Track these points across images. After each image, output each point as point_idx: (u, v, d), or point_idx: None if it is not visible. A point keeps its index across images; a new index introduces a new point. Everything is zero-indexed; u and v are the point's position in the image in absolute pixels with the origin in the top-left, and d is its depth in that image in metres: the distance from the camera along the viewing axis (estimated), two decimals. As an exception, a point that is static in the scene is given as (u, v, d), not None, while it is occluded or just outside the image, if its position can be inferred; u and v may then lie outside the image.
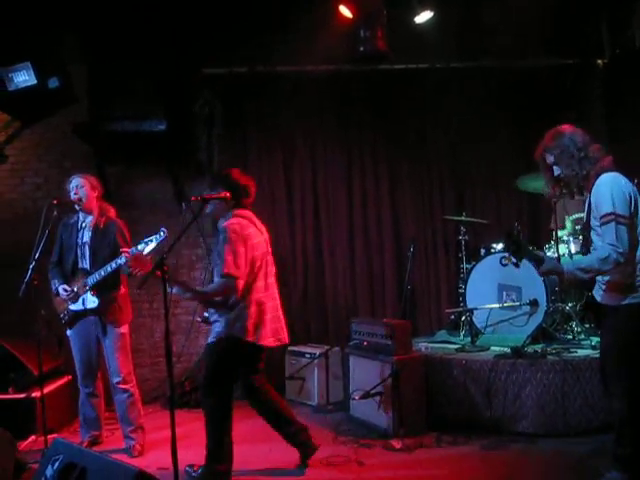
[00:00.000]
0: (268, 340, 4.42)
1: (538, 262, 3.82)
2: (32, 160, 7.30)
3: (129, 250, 4.77)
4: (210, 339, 4.42)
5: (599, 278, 3.89)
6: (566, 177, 3.89)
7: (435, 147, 7.47)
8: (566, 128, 3.94)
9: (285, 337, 4.58)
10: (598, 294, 3.95)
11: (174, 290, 4.20)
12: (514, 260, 3.89)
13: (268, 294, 4.47)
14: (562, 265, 3.84)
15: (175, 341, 7.09)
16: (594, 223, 3.83)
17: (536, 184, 6.25)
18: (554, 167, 3.94)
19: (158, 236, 4.79)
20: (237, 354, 4.40)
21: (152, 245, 4.77)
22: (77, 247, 5.33)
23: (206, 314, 4.57)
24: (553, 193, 4.07)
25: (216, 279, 4.38)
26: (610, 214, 3.68)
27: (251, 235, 4.37)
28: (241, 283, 4.23)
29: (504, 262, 3.84)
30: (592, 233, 3.89)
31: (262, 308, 4.39)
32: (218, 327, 4.35)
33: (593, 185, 3.80)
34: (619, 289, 3.78)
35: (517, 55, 7.13)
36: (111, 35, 6.43)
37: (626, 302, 3.75)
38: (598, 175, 3.78)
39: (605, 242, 3.69)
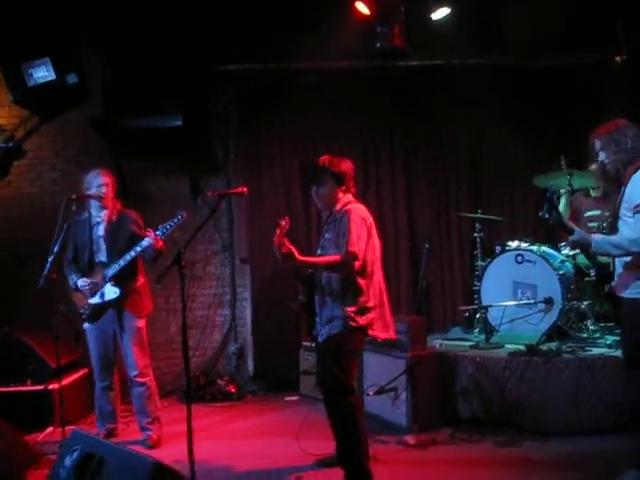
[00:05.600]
0: (381, 332, 4.36)
1: (568, 231, 3.91)
2: (49, 155, 7.37)
3: (152, 232, 4.85)
4: (331, 331, 4.25)
5: (618, 264, 3.96)
6: (608, 165, 3.97)
7: (451, 144, 7.45)
8: (621, 121, 4.02)
9: (393, 333, 4.48)
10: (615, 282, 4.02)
11: (280, 254, 4.11)
12: (547, 214, 3.93)
13: (383, 288, 4.44)
14: (592, 237, 3.90)
15: (191, 335, 7.07)
16: (624, 213, 3.91)
17: (552, 181, 6.25)
18: (599, 153, 4.01)
19: (176, 219, 4.86)
20: (361, 345, 4.41)
21: (171, 229, 4.85)
22: (92, 243, 5.37)
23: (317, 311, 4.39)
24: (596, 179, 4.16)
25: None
26: None
27: (372, 225, 4.34)
28: (358, 265, 4.16)
29: (541, 214, 3.89)
30: (620, 222, 3.97)
31: (382, 300, 4.37)
32: (340, 318, 4.22)
33: (630, 177, 3.87)
34: (637, 269, 3.84)
35: (533, 52, 7.09)
36: (128, 31, 6.46)
37: None
38: (638, 168, 3.86)
39: (635, 229, 3.77)
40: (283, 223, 4.10)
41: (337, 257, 4.18)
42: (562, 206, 6.25)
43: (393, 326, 4.46)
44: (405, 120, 7.39)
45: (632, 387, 3.94)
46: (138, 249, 5.07)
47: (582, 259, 5.92)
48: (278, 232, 4.08)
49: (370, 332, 4.28)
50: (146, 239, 4.99)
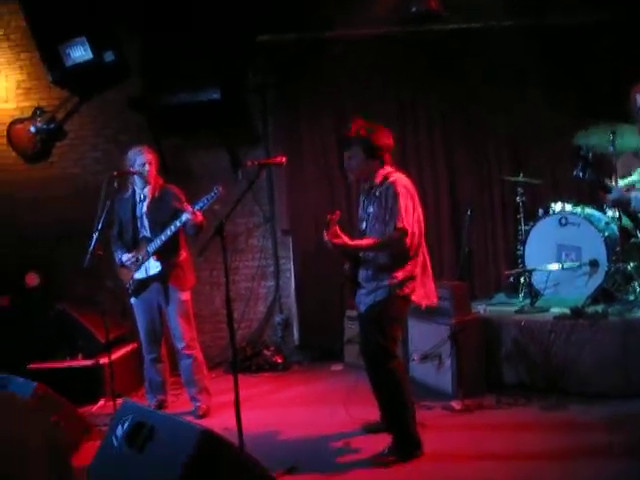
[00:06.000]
0: (423, 299, 4.36)
1: (605, 190, 3.80)
2: (90, 135, 7.47)
3: (191, 207, 4.91)
4: (376, 298, 4.25)
5: None
6: None
7: (490, 107, 7.31)
8: None
9: (435, 299, 4.47)
10: None
11: (331, 245, 4.11)
12: (581, 173, 3.83)
13: (426, 255, 4.44)
14: (631, 194, 3.79)
15: (235, 308, 7.19)
16: None
17: (594, 140, 6.10)
18: None
19: (213, 194, 4.89)
20: (404, 312, 4.44)
21: (208, 203, 4.90)
22: (136, 219, 5.45)
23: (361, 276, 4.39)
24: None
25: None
26: None
27: (416, 194, 4.31)
28: (409, 240, 4.15)
29: (575, 173, 3.78)
30: None
31: (426, 268, 4.38)
32: (385, 287, 4.22)
33: None
34: None
35: (571, 11, 6.92)
36: (163, 6, 6.48)
37: None
38: None
39: None
40: (333, 217, 4.08)
41: (388, 237, 4.16)
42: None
43: (435, 293, 4.45)
44: (441, 84, 7.26)
45: None
46: (178, 224, 5.13)
47: (627, 220, 5.81)
48: (329, 227, 4.06)
49: (414, 299, 4.28)
50: (184, 214, 5.04)
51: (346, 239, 4.12)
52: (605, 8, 6.83)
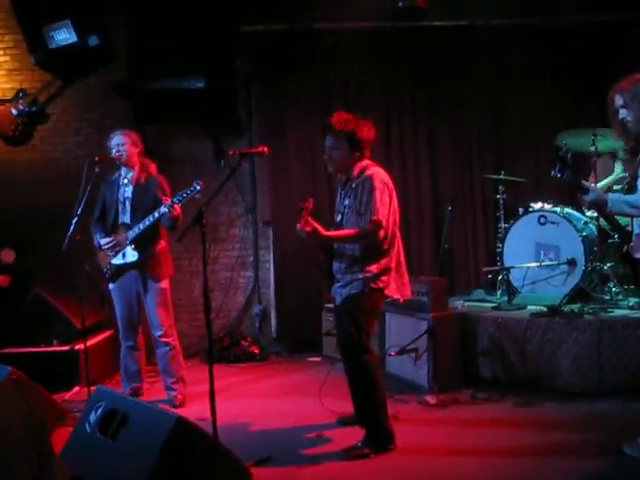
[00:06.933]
0: (396, 293, 4.35)
1: (583, 191, 3.80)
2: (73, 119, 7.41)
3: (169, 200, 4.88)
4: (350, 291, 4.24)
5: (636, 225, 3.88)
6: (630, 122, 3.82)
7: (474, 105, 7.37)
8: None
9: (409, 293, 4.47)
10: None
11: (304, 234, 4.09)
12: (559, 174, 3.84)
13: (400, 249, 4.43)
14: (607, 196, 3.81)
15: (214, 297, 7.20)
16: None
17: (575, 141, 6.15)
18: (620, 110, 3.86)
19: (193, 189, 4.87)
20: (378, 306, 4.42)
21: (187, 197, 4.87)
22: (118, 203, 5.41)
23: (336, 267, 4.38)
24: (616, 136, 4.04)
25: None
26: None
27: (393, 188, 4.31)
28: (383, 233, 4.15)
29: (553, 173, 3.77)
30: (639, 182, 3.87)
31: (400, 261, 4.37)
32: (360, 280, 4.22)
33: None
34: None
35: (558, 12, 6.96)
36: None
37: None
38: None
39: None
40: (307, 204, 4.07)
41: (362, 229, 4.17)
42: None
43: (409, 287, 4.46)
44: (426, 80, 7.31)
45: None
46: (156, 215, 5.09)
47: (605, 221, 5.87)
48: (303, 214, 4.05)
49: (387, 292, 4.29)
50: (162, 207, 5.01)
51: (319, 228, 4.12)
52: (590, 10, 6.88)
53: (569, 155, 3.81)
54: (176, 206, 4.96)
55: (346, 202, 4.34)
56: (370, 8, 6.67)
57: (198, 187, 4.87)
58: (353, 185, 4.28)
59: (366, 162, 4.34)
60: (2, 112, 6.64)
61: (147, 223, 5.16)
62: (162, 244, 5.43)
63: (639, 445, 3.91)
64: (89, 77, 6.59)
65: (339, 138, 4.26)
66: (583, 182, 3.89)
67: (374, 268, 4.21)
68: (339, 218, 4.40)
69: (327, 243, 4.38)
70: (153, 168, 5.49)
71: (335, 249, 4.37)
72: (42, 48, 5.97)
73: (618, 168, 6.34)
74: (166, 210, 4.98)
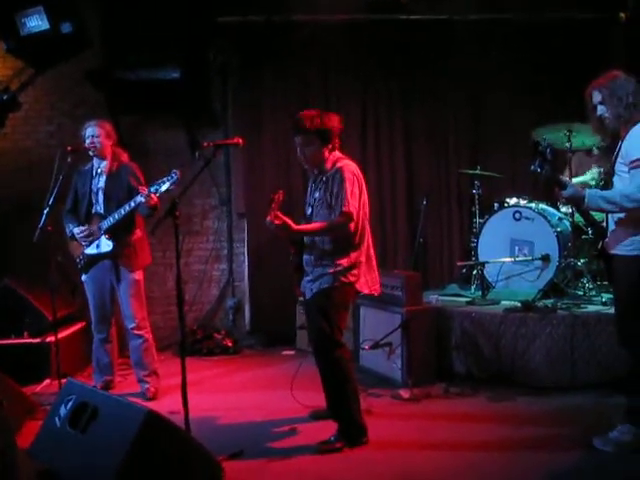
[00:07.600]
0: (366, 287, 4.34)
1: (560, 186, 3.83)
2: (45, 108, 7.30)
3: (146, 189, 4.82)
4: (320, 286, 4.23)
5: (611, 221, 3.90)
6: (607, 118, 3.85)
7: (451, 99, 7.39)
8: (621, 73, 3.88)
9: (378, 288, 4.46)
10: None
11: (274, 227, 4.06)
12: (538, 168, 3.86)
13: (370, 243, 4.42)
14: (585, 191, 3.82)
15: (187, 290, 7.17)
16: (619, 168, 3.83)
17: (551, 136, 6.16)
18: (599, 106, 3.88)
19: (170, 178, 4.81)
20: (349, 300, 4.39)
21: (165, 187, 4.80)
22: (91, 193, 5.35)
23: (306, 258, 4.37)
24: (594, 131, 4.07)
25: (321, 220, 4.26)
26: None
27: (363, 181, 4.30)
28: (354, 226, 4.15)
29: (533, 168, 3.78)
30: (615, 178, 3.89)
31: (370, 256, 4.36)
32: (330, 274, 4.20)
33: (628, 131, 3.78)
34: (630, 226, 3.78)
35: (537, 8, 6.98)
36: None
37: (634, 253, 3.75)
38: (636, 123, 3.76)
39: (631, 185, 3.69)
40: (277, 197, 4.05)
41: (332, 221, 4.16)
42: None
43: (378, 281, 4.46)
44: (405, 74, 7.31)
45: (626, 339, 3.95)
46: (132, 204, 5.03)
47: (580, 217, 5.90)
48: (272, 206, 4.03)
49: (357, 286, 4.28)
50: (139, 196, 4.95)
51: (288, 221, 4.09)
52: (569, 6, 6.91)
53: (548, 150, 3.80)
54: (153, 195, 4.90)
55: (316, 195, 4.34)
56: (348, 1, 6.65)
57: (175, 176, 4.81)
58: (324, 178, 4.28)
59: (337, 155, 4.34)
60: (-28, 100, 6.53)
61: (122, 213, 5.10)
62: (138, 233, 5.37)
63: (610, 439, 3.95)
64: (62, 65, 6.48)
65: (309, 135, 4.26)
66: (561, 177, 3.91)
67: (344, 262, 4.20)
68: (309, 211, 4.40)
69: (297, 237, 4.37)
70: (125, 157, 5.44)
71: (305, 242, 4.36)
72: (14, 35, 5.85)
73: (595, 168, 6.37)
74: (142, 200, 4.92)
